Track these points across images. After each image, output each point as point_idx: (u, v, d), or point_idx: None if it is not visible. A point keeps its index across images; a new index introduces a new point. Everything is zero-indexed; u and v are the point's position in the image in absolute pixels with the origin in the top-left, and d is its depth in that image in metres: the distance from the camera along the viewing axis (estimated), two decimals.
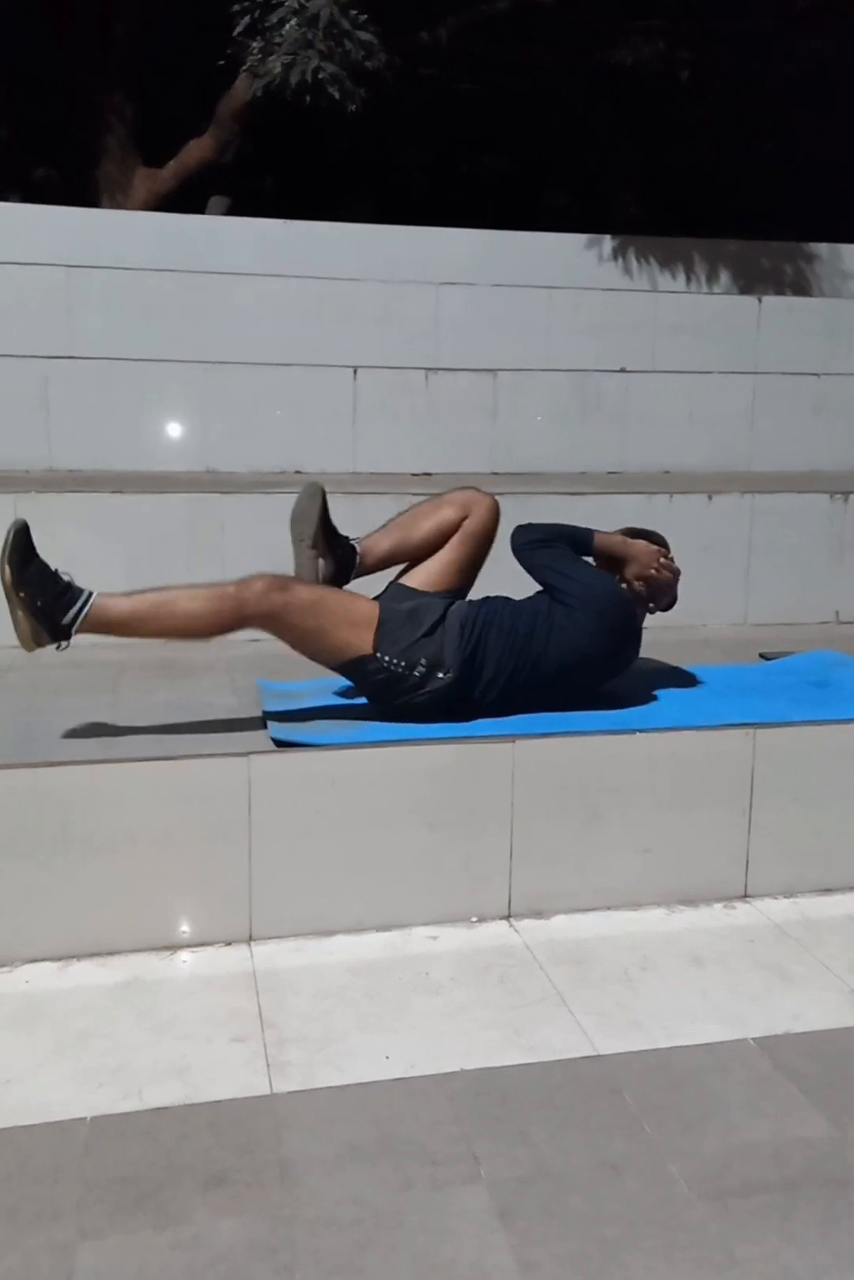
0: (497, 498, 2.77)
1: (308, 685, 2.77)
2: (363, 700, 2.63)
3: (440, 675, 2.50)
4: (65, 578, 2.39)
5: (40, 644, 2.37)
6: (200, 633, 2.50)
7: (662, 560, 2.74)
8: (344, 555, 2.69)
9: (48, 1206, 1.57)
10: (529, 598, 2.68)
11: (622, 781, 2.51)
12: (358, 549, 2.72)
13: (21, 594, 2.32)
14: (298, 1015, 2.06)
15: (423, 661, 2.49)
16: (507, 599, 2.67)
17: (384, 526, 2.79)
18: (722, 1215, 1.59)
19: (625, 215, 6.35)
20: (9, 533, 2.36)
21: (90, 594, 2.38)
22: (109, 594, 2.41)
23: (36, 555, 2.38)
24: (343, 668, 2.55)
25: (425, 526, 2.73)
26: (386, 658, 2.48)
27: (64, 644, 2.38)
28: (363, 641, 2.48)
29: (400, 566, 2.76)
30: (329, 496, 2.72)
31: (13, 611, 2.34)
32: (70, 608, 2.35)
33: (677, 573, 2.77)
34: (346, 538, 2.73)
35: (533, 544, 2.68)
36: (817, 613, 3.88)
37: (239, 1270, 1.46)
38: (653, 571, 2.72)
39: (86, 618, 2.36)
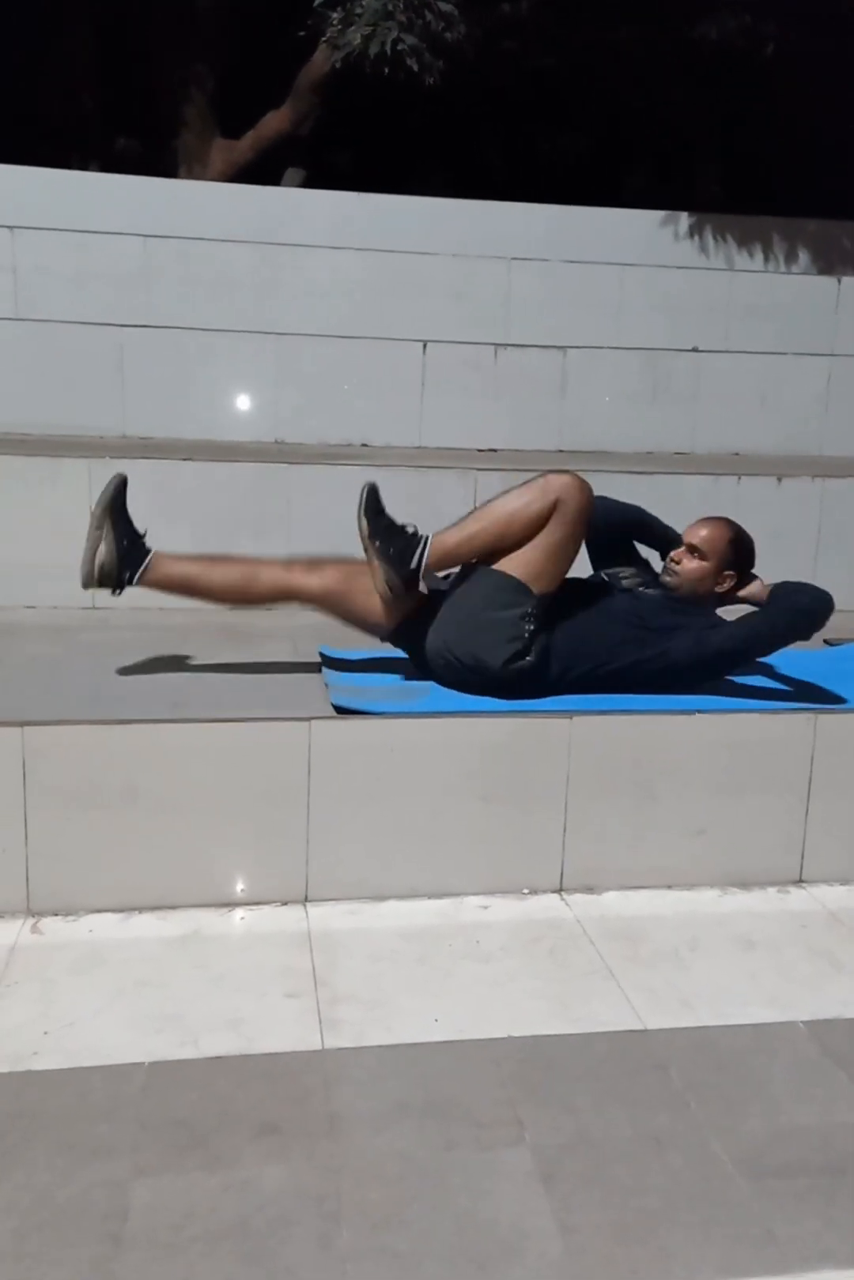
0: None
1: (370, 654, 2.80)
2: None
3: (526, 660, 2.51)
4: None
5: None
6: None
7: None
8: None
9: (104, 1144, 1.64)
10: (624, 601, 2.66)
11: (678, 761, 2.50)
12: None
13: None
14: (350, 976, 2.10)
15: (514, 644, 2.50)
16: (600, 594, 2.66)
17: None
18: (763, 1195, 1.59)
19: (706, 194, 6.23)
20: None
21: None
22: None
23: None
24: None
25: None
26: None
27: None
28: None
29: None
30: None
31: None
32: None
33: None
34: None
35: (775, 633, 2.60)
36: None
37: (286, 1215, 1.51)
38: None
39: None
